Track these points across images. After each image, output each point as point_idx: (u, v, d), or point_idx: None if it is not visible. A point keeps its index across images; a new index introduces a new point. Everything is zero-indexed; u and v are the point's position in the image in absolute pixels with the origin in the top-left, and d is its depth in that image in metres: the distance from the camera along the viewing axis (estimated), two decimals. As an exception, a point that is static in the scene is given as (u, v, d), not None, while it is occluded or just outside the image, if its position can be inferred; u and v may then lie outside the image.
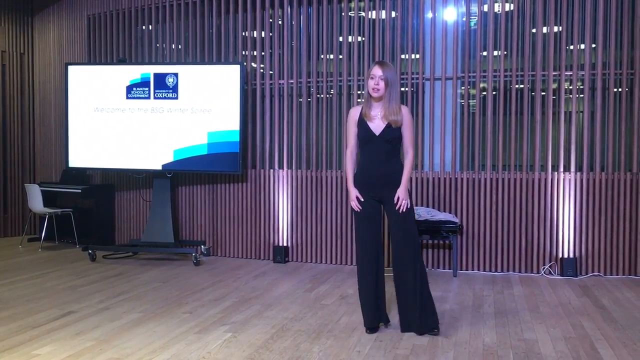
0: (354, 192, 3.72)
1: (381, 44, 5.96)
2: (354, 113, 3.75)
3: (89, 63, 7.01)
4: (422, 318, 3.64)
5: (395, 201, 3.63)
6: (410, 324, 3.68)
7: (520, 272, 5.61)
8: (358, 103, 6.06)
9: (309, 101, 6.23)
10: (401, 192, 3.63)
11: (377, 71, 3.60)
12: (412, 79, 5.89)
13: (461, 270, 5.70)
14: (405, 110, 3.67)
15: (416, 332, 3.66)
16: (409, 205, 3.65)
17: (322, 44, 6.16)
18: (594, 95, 5.53)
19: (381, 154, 3.66)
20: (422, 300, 3.65)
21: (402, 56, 5.95)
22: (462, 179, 5.73)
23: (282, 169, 6.30)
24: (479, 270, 5.71)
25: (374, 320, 3.74)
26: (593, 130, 5.53)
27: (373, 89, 3.61)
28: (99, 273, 5.58)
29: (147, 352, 3.36)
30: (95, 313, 4.16)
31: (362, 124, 3.69)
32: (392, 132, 3.64)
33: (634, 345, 3.47)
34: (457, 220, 5.56)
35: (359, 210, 3.71)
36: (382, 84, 3.60)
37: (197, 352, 3.36)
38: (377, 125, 3.65)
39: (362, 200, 3.69)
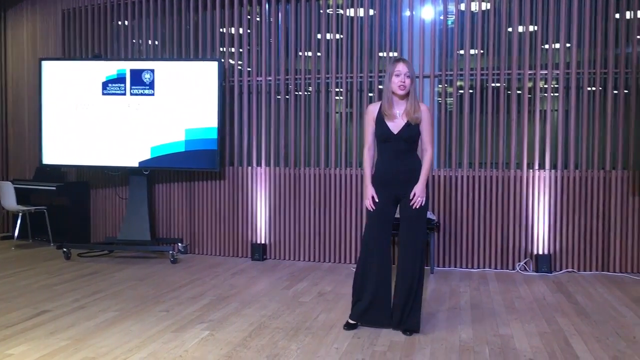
0: (370, 191, 3.70)
1: (359, 42, 5.97)
2: (373, 109, 3.73)
3: (64, 58, 6.89)
4: (411, 315, 3.65)
5: (411, 197, 3.63)
6: (398, 320, 3.68)
7: (496, 268, 5.68)
8: (337, 100, 6.08)
9: (288, 98, 6.22)
10: (418, 189, 3.62)
11: (403, 68, 3.60)
12: (390, 76, 5.90)
13: (438, 267, 5.75)
14: (424, 108, 3.68)
15: (401, 328, 3.66)
16: (423, 203, 3.65)
17: (301, 41, 6.15)
18: (569, 94, 5.62)
19: (399, 152, 3.65)
20: (415, 300, 3.66)
21: (380, 54, 5.96)
22: (439, 176, 5.77)
23: (261, 166, 6.28)
24: (455, 266, 5.76)
25: (362, 318, 3.74)
26: (567, 129, 5.61)
27: (399, 86, 3.60)
28: (74, 271, 5.50)
29: (123, 351, 3.33)
30: (70, 312, 4.11)
31: (380, 121, 3.67)
32: (411, 130, 3.63)
33: (606, 340, 3.54)
34: (434, 217, 5.61)
35: (372, 210, 3.70)
36: (408, 81, 3.60)
37: (174, 350, 3.34)
38: (396, 124, 3.64)
39: (377, 201, 3.68)
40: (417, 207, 3.63)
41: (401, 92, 3.62)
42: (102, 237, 6.89)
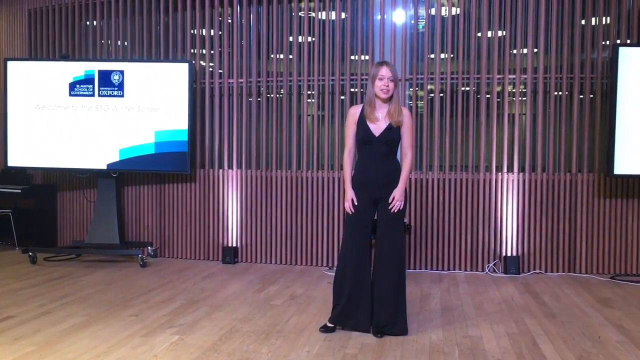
0: (350, 194, 3.69)
1: (331, 45, 5.99)
2: (355, 112, 3.73)
3: (30, 59, 6.75)
4: (396, 321, 3.66)
5: (390, 200, 3.64)
6: (384, 325, 3.66)
7: (465, 270, 5.74)
8: (308, 103, 6.08)
9: (259, 101, 6.20)
10: (397, 193, 3.64)
11: (386, 72, 3.61)
12: (362, 80, 5.94)
13: (409, 269, 5.79)
14: (406, 112, 3.70)
15: (389, 333, 3.65)
16: (402, 207, 3.67)
17: (272, 43, 6.13)
18: (536, 98, 5.72)
19: (379, 155, 3.66)
20: (398, 304, 3.67)
21: (352, 57, 5.99)
22: (410, 179, 5.81)
23: (232, 168, 6.24)
24: (426, 269, 5.81)
25: (341, 322, 3.73)
26: (535, 132, 5.71)
27: (382, 89, 3.61)
28: (40, 276, 5.39)
29: (91, 356, 3.27)
30: (36, 317, 4.01)
31: (362, 124, 3.68)
32: (392, 134, 3.65)
33: (572, 340, 3.61)
34: (405, 220, 5.64)
35: (351, 214, 3.69)
36: (391, 85, 3.61)
37: (143, 355, 3.29)
38: (377, 127, 3.65)
39: (357, 204, 3.67)
40: (396, 210, 3.65)
41: (384, 96, 3.63)
42: (69, 241, 6.76)
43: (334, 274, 3.88)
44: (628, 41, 5.57)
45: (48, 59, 6.70)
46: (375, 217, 3.75)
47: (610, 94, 5.32)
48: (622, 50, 5.23)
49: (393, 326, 3.66)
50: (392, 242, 3.69)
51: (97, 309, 4.26)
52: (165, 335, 3.65)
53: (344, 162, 3.77)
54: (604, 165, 5.44)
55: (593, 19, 5.62)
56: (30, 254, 5.96)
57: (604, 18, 5.58)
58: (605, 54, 5.60)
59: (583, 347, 3.47)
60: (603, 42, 5.61)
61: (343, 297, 3.71)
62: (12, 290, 4.80)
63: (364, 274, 3.70)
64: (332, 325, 3.75)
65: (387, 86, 3.61)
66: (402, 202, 3.67)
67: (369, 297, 3.71)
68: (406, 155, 3.72)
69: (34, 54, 6.91)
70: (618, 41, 5.57)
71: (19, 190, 6.52)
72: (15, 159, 6.23)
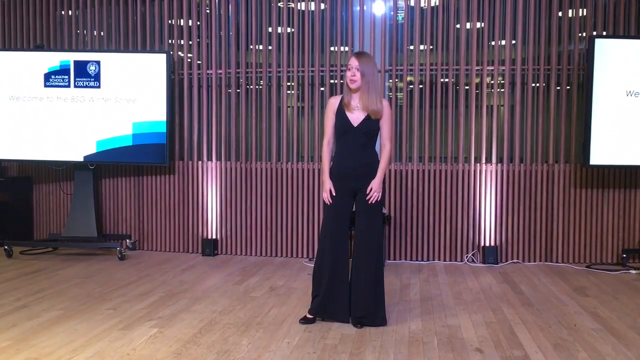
0: (328, 184, 3.69)
1: (310, 36, 5.96)
2: (334, 102, 3.72)
3: (3, 49, 6.61)
4: (375, 312, 3.67)
5: (368, 192, 3.64)
6: (363, 316, 3.67)
7: (445, 260, 5.79)
8: (288, 94, 6.06)
9: (238, 92, 6.16)
10: (375, 184, 3.64)
11: (353, 62, 3.60)
12: (342, 71, 5.92)
13: (389, 260, 5.82)
14: (385, 103, 3.68)
15: (369, 324, 3.66)
16: (379, 198, 3.67)
17: (251, 34, 6.09)
18: (514, 89, 5.77)
19: (357, 146, 3.65)
20: (377, 295, 3.68)
21: (332, 48, 5.97)
22: (390, 170, 5.83)
23: (211, 160, 6.20)
24: (406, 259, 5.84)
25: (320, 312, 3.73)
26: (513, 124, 5.76)
27: (350, 80, 3.61)
28: (16, 270, 5.31)
29: (68, 350, 3.23)
30: (12, 311, 3.95)
31: (340, 114, 3.67)
32: (371, 125, 3.64)
33: (549, 328, 3.66)
34: (384, 210, 5.66)
35: (329, 204, 3.69)
36: (358, 75, 3.59)
37: (122, 348, 3.26)
38: (356, 117, 3.64)
39: (335, 195, 3.67)
40: (374, 202, 3.66)
41: (352, 86, 3.63)
42: (45, 234, 6.67)
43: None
44: (604, 33, 5.64)
45: (22, 49, 6.57)
46: (354, 209, 3.76)
47: (586, 85, 5.38)
48: (598, 42, 5.28)
49: (372, 317, 3.67)
50: (370, 233, 3.69)
51: (75, 302, 4.21)
52: (144, 329, 3.62)
53: (322, 152, 3.77)
54: (580, 155, 5.52)
55: (570, 10, 5.67)
56: (6, 247, 5.87)
57: (580, 10, 5.64)
58: (582, 45, 5.66)
59: (559, 335, 3.52)
60: (580, 34, 5.67)
61: (322, 288, 3.71)
62: (-13, 285, 4.72)
63: (342, 265, 3.71)
64: (311, 317, 3.75)
65: (354, 75, 3.60)
66: (380, 193, 3.67)
67: (347, 288, 3.72)
68: (385, 146, 3.73)
69: (7, 44, 6.77)
70: (594, 33, 5.63)
71: (-6, 183, 6.41)
72: (-11, 151, 6.11)
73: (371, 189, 3.65)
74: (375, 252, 3.69)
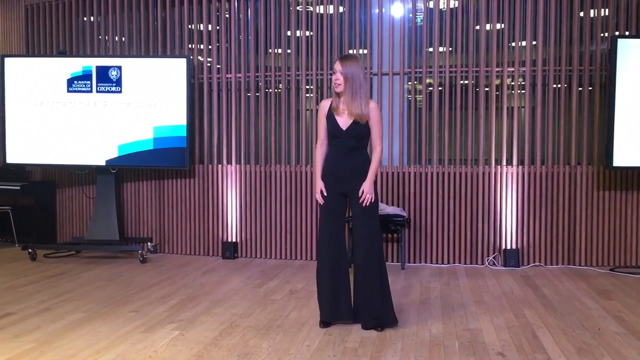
0: (319, 185, 3.71)
1: (329, 39, 5.97)
2: (324, 105, 3.74)
3: (28, 55, 6.73)
4: (386, 314, 3.67)
5: (360, 194, 3.64)
6: (371, 319, 3.66)
7: (465, 263, 5.75)
8: (307, 98, 6.07)
9: (257, 96, 6.19)
10: (366, 186, 3.64)
11: (337, 66, 3.62)
12: (360, 74, 5.92)
13: (409, 263, 5.79)
14: (373, 105, 3.67)
15: (375, 328, 3.65)
16: (373, 199, 3.66)
17: (270, 38, 6.12)
18: (535, 91, 5.71)
19: (348, 149, 3.66)
20: (384, 296, 3.68)
21: (350, 51, 5.97)
22: (409, 173, 5.81)
23: (231, 164, 6.23)
24: (426, 262, 5.81)
25: (330, 315, 3.73)
26: (534, 125, 5.70)
27: (334, 84, 3.63)
28: (40, 273, 5.39)
29: (91, 352, 3.27)
30: (36, 314, 4.02)
31: (330, 117, 3.69)
32: (359, 128, 3.64)
33: (572, 332, 3.61)
34: (405, 214, 5.65)
35: (323, 207, 3.71)
36: (341, 79, 3.60)
37: (144, 351, 3.29)
38: (344, 120, 3.65)
39: (326, 195, 3.69)
40: (367, 204, 3.65)
41: (337, 90, 3.65)
42: (68, 237, 6.76)
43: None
44: (627, 33, 5.57)
45: (46, 55, 6.68)
46: (350, 215, 3.78)
47: (609, 86, 5.31)
48: (621, 42, 5.21)
49: (384, 319, 3.67)
50: (370, 238, 3.67)
51: (97, 305, 4.26)
52: (166, 331, 3.65)
53: (315, 154, 3.79)
54: (603, 157, 5.44)
55: (592, 10, 5.60)
56: (30, 250, 5.96)
57: (602, 10, 5.57)
58: (604, 46, 5.58)
59: (583, 339, 3.47)
60: (602, 34, 5.59)
61: (324, 291, 3.72)
62: (12, 287, 4.80)
63: (342, 265, 3.72)
64: (327, 321, 3.75)
65: (337, 79, 3.61)
66: (372, 195, 3.65)
67: (349, 286, 3.73)
68: (375, 148, 3.73)
69: (31, 51, 6.89)
70: (617, 33, 5.55)
71: (18, 187, 6.52)
72: (14, 155, 6.22)
73: (363, 192, 3.64)
74: (377, 256, 3.68)
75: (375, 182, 3.71)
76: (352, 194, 3.68)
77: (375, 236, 3.70)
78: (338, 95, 3.67)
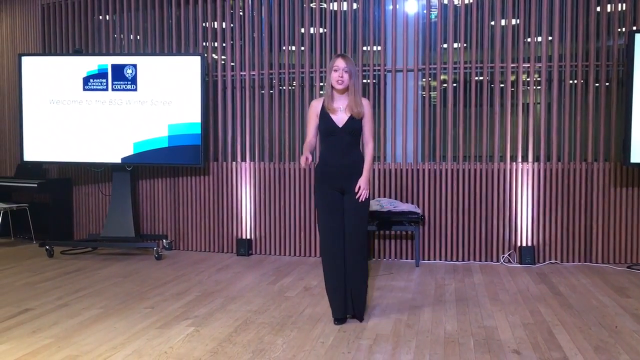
0: (306, 153, 3.64)
1: (343, 36, 5.96)
2: (316, 105, 3.79)
3: (44, 54, 6.81)
4: (364, 307, 3.84)
5: (356, 190, 3.67)
6: (355, 311, 3.77)
7: (480, 260, 5.72)
8: (320, 95, 6.06)
9: (271, 93, 6.20)
10: (363, 182, 3.68)
11: (340, 63, 3.65)
12: (374, 70, 5.91)
13: (423, 260, 5.77)
14: (366, 102, 3.75)
15: (358, 318, 3.79)
16: (367, 195, 3.71)
17: (284, 35, 6.12)
18: (551, 86, 5.66)
19: (343, 146, 3.71)
20: (365, 291, 3.83)
21: (364, 48, 5.96)
22: (423, 169, 5.79)
23: (245, 161, 6.25)
24: (440, 259, 5.79)
25: (343, 311, 3.75)
26: (550, 121, 5.65)
27: (337, 81, 3.66)
28: (57, 269, 5.45)
29: (108, 348, 3.30)
30: (53, 310, 4.06)
31: (324, 116, 3.72)
32: (355, 124, 3.70)
33: (589, 330, 3.58)
34: (419, 210, 5.63)
35: (321, 203, 3.75)
36: (346, 76, 3.65)
37: (159, 347, 3.32)
38: (340, 118, 3.70)
39: (323, 191, 3.75)
40: (363, 199, 3.68)
41: (339, 87, 3.67)
42: (85, 234, 6.83)
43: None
44: (644, 28, 5.49)
45: (62, 54, 6.75)
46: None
47: (626, 82, 5.25)
48: (638, 37, 5.14)
49: (363, 312, 3.82)
50: (360, 233, 3.74)
51: (114, 301, 4.30)
52: (181, 327, 3.68)
53: (303, 149, 3.76)
54: (620, 154, 5.38)
55: (608, 5, 5.53)
56: (47, 247, 6.03)
57: (619, 4, 5.50)
58: (621, 41, 5.52)
59: (600, 337, 3.44)
60: (619, 29, 5.52)
61: (332, 288, 3.76)
62: (30, 284, 4.86)
63: (340, 259, 3.73)
64: (341, 317, 3.76)
65: (342, 77, 3.64)
66: (368, 191, 3.71)
67: (343, 281, 3.76)
68: (367, 144, 3.78)
69: (47, 50, 6.96)
70: (634, 28, 5.48)
71: (35, 185, 6.59)
72: (31, 153, 6.29)
73: (359, 187, 3.67)
74: (364, 250, 3.78)
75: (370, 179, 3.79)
76: (348, 190, 3.71)
77: (364, 233, 3.79)
78: (336, 92, 3.70)
